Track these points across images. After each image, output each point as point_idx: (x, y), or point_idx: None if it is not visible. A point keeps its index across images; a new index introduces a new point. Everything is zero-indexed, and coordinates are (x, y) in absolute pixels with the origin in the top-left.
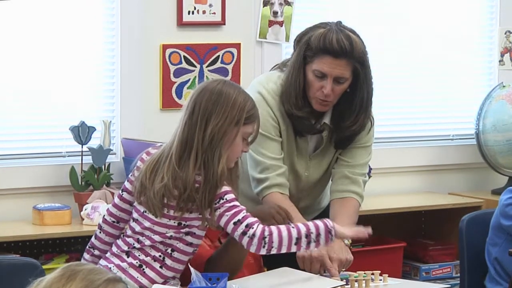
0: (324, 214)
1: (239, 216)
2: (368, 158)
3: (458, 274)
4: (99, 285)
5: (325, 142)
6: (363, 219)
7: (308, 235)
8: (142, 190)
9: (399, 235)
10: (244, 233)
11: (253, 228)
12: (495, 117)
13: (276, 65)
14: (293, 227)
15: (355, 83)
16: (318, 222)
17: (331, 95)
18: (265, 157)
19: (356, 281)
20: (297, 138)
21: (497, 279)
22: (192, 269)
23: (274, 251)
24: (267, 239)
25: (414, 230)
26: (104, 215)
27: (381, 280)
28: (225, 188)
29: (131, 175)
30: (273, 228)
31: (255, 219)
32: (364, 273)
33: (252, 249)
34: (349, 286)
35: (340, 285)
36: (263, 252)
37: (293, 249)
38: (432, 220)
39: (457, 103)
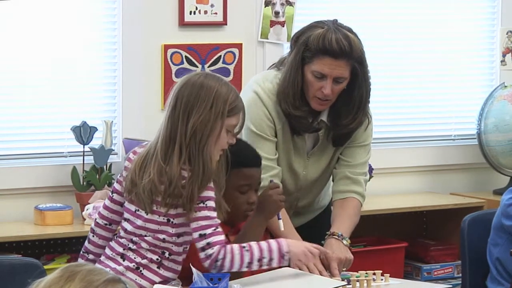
0: (325, 213)
1: (207, 231)
2: (367, 156)
3: (460, 274)
4: (98, 285)
5: (321, 140)
6: (365, 219)
7: (260, 259)
8: (132, 187)
9: (401, 235)
10: (203, 249)
11: (212, 249)
12: (497, 117)
13: (274, 64)
14: (247, 250)
15: (353, 81)
16: (274, 245)
17: (330, 94)
18: None
19: (357, 281)
20: (294, 136)
21: (498, 279)
22: (194, 269)
23: (224, 271)
24: (218, 263)
25: (415, 230)
26: (96, 218)
27: (382, 280)
28: (210, 192)
29: (119, 176)
30: (228, 252)
31: (219, 239)
32: (366, 273)
33: (205, 265)
34: (350, 286)
35: (342, 285)
36: (213, 271)
37: (245, 269)
38: (434, 220)
39: (459, 103)
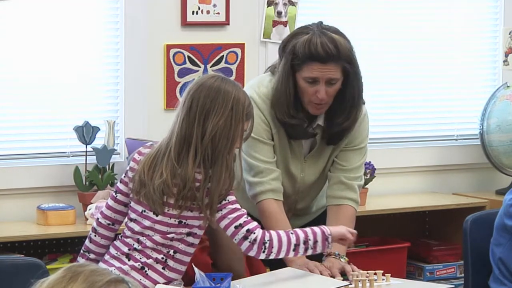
0: (324, 214)
1: (241, 221)
2: (362, 160)
3: (462, 275)
4: (100, 286)
5: (318, 143)
6: (368, 219)
7: (306, 242)
8: (141, 187)
9: (403, 235)
10: (245, 238)
11: (254, 233)
12: (500, 118)
13: (269, 67)
14: (292, 233)
15: (345, 80)
16: (316, 229)
17: (325, 97)
18: (258, 161)
19: (359, 281)
20: (291, 140)
21: (501, 279)
22: (196, 269)
23: (272, 256)
24: (267, 245)
25: (418, 230)
26: (98, 218)
27: (383, 280)
28: None
29: (124, 176)
30: (273, 233)
31: (256, 223)
32: (367, 273)
33: (252, 254)
34: (353, 285)
35: (344, 285)
36: (262, 257)
37: (291, 254)
38: (436, 220)
39: (462, 103)
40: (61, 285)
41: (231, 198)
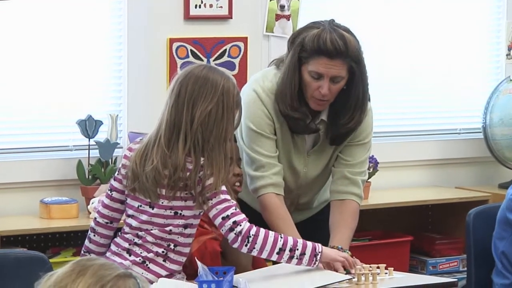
0: (326, 208)
1: (228, 212)
2: (366, 154)
3: (465, 268)
4: (109, 281)
5: (322, 139)
6: (370, 213)
7: (292, 250)
8: (135, 180)
9: (406, 229)
10: (231, 229)
11: (240, 225)
12: (502, 111)
13: (274, 60)
14: (281, 236)
15: (350, 80)
16: (309, 242)
17: (328, 94)
18: (260, 155)
19: (362, 274)
20: (294, 135)
21: (504, 273)
22: (199, 263)
23: (255, 253)
24: (251, 239)
25: (420, 224)
26: (95, 218)
27: (386, 273)
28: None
29: (117, 174)
30: (261, 231)
31: (243, 216)
32: (370, 267)
33: (235, 246)
34: (355, 279)
35: (347, 279)
36: (244, 250)
37: (274, 257)
38: (439, 214)
39: (464, 97)
40: (69, 278)
41: (222, 188)
